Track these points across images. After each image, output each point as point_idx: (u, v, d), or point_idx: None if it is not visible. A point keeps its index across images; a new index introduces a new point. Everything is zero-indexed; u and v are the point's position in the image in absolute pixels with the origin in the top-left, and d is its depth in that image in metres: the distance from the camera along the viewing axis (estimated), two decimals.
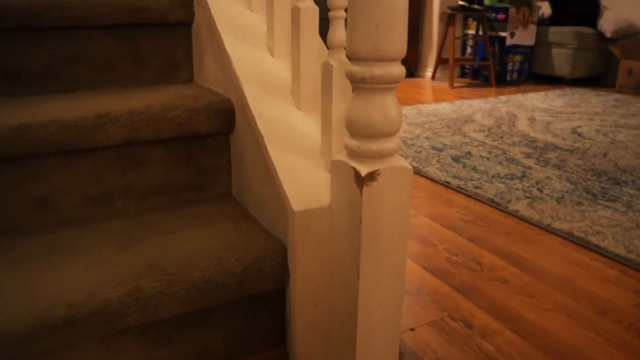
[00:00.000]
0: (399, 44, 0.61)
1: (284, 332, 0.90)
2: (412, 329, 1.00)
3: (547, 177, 1.85)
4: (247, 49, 0.90)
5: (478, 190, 1.71)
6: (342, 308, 0.75)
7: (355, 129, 0.65)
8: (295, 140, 0.80)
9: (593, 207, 1.58)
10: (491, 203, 1.63)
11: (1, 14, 1.04)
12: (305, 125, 0.82)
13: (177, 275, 0.77)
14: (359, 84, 0.63)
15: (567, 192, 1.71)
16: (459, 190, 1.75)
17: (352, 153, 0.66)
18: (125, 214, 0.99)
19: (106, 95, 1.07)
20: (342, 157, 0.68)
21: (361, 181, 0.64)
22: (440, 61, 4.15)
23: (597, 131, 2.57)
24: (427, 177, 1.89)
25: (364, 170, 0.64)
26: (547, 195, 1.68)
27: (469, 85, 4.05)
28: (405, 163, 0.67)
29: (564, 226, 1.44)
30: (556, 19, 4.23)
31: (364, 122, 0.63)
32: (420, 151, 2.18)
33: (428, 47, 4.43)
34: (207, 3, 0.99)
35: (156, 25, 1.18)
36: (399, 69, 0.63)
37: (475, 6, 3.84)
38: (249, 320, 0.88)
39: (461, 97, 3.53)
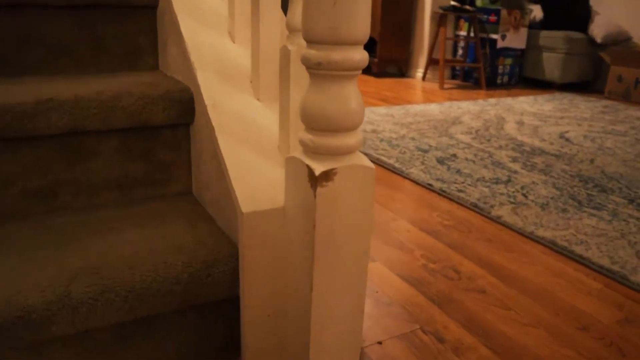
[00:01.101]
0: (361, 25, 0.54)
1: (239, 343, 0.83)
2: (379, 342, 0.93)
3: (533, 182, 1.79)
4: (206, 33, 0.82)
5: (461, 194, 1.64)
6: (295, 322, 0.67)
7: (310, 122, 0.57)
8: (251, 134, 0.72)
9: (578, 214, 1.52)
10: (474, 208, 1.56)
11: None
12: (264, 117, 0.75)
13: (113, 280, 0.69)
14: (314, 70, 0.55)
15: (552, 198, 1.65)
16: (441, 193, 1.68)
17: (307, 149, 0.58)
18: (72, 210, 0.91)
19: (57, 81, 0.98)
20: (297, 153, 0.60)
21: (315, 181, 0.56)
22: (431, 62, 4.08)
23: (585, 137, 2.52)
24: (409, 179, 1.82)
25: (318, 168, 0.57)
26: (532, 201, 1.61)
27: (459, 87, 4.00)
28: (367, 162, 0.60)
29: (548, 234, 1.38)
30: (548, 23, 4.18)
31: (320, 113, 0.56)
32: (405, 152, 2.11)
33: (419, 47, 4.37)
34: None
35: (118, 7, 1.10)
36: (361, 55, 0.55)
37: (467, 7, 3.78)
38: (200, 330, 0.80)
39: (450, 99, 3.47)
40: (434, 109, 3.05)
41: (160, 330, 0.77)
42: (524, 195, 1.66)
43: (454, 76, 4.39)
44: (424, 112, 2.95)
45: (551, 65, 4.01)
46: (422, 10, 4.27)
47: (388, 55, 4.36)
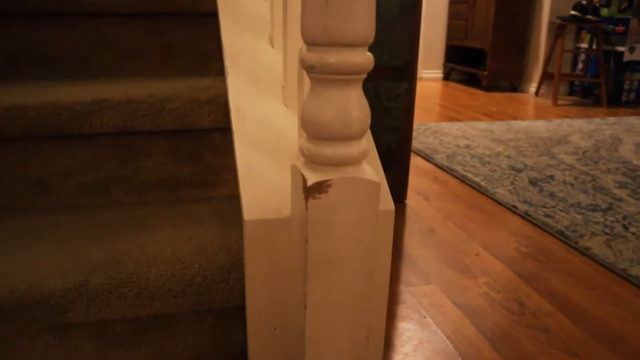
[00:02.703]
0: (361, 25, 0.49)
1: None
2: None
3: None
4: (245, 37, 0.82)
5: (548, 220, 1.48)
6: (295, 339, 0.63)
7: (307, 129, 0.54)
8: (272, 140, 0.70)
9: None
10: (560, 235, 1.40)
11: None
12: (289, 123, 0.72)
13: (130, 275, 0.71)
14: (310, 74, 0.52)
15: None
16: (525, 217, 1.53)
17: (307, 158, 0.55)
18: (122, 206, 0.95)
19: (123, 84, 1.04)
20: (299, 162, 0.57)
21: (307, 192, 0.53)
22: (546, 76, 3.79)
23: None
24: (493, 199, 1.68)
25: (312, 178, 0.53)
26: (633, 234, 1.41)
27: (575, 104, 3.66)
28: (372, 175, 0.55)
29: None
30: None
31: (315, 120, 0.52)
32: (495, 170, 1.96)
33: (534, 60, 4.08)
34: None
35: (187, 15, 1.15)
36: (362, 58, 0.51)
37: (589, 17, 3.45)
38: (218, 334, 0.79)
39: (563, 116, 3.19)
40: (540, 126, 2.82)
41: (178, 330, 0.78)
42: (624, 226, 1.46)
43: (572, 92, 4.04)
44: (528, 128, 2.73)
45: None
46: (539, 21, 3.98)
47: (499, 68, 4.13)
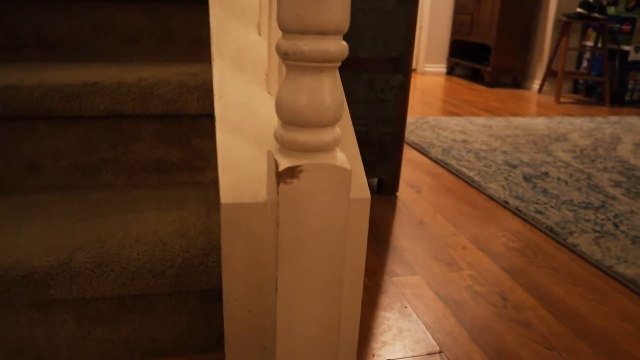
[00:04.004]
0: (335, 14, 0.50)
1: None
2: (373, 355, 0.87)
3: (631, 212, 1.57)
4: (233, 24, 0.83)
5: (538, 216, 1.49)
6: (271, 323, 0.65)
7: (282, 115, 0.55)
8: (253, 126, 0.71)
9: None
10: (549, 232, 1.41)
11: None
12: (272, 110, 0.73)
13: (112, 255, 0.73)
14: (285, 61, 0.53)
15: None
16: (516, 212, 1.54)
17: (280, 143, 0.56)
18: (112, 188, 0.97)
19: (116, 68, 1.05)
20: (274, 147, 0.58)
21: (279, 177, 0.54)
22: (550, 73, 3.77)
23: None
24: (486, 194, 1.69)
25: (284, 163, 0.54)
26: (623, 232, 1.41)
27: (578, 102, 3.65)
28: (344, 162, 0.56)
29: (630, 271, 1.20)
30: None
31: (289, 106, 0.53)
32: (490, 165, 1.97)
33: (538, 56, 4.06)
34: None
35: (185, 2, 1.15)
36: (336, 46, 0.52)
37: (596, 15, 3.43)
38: (199, 315, 0.81)
39: (564, 114, 3.18)
40: (540, 123, 2.81)
41: (160, 310, 0.79)
42: (614, 224, 1.46)
43: (575, 90, 4.02)
44: (527, 125, 2.73)
45: None
46: (545, 17, 3.96)
47: (502, 65, 4.11)
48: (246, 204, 0.63)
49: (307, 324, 0.61)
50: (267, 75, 0.77)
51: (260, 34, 0.83)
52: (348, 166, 0.56)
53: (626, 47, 3.55)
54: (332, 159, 0.55)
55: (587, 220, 1.48)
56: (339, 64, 0.53)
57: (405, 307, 1.02)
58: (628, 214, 1.55)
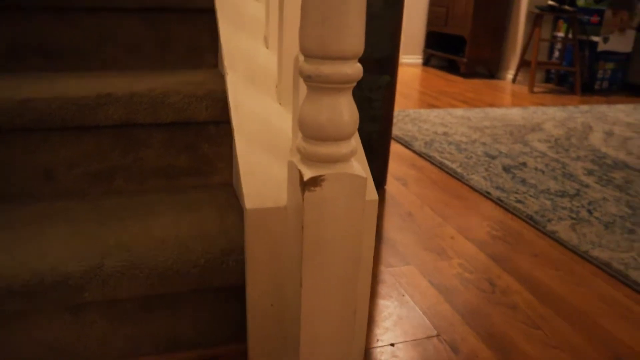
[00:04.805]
0: (353, 41, 0.57)
1: None
2: (392, 344, 0.95)
3: (604, 199, 1.68)
4: (242, 38, 0.89)
5: (519, 205, 1.59)
6: (292, 314, 0.72)
7: (303, 130, 0.61)
8: (268, 135, 0.77)
9: None
10: (529, 220, 1.50)
11: None
12: (283, 120, 0.80)
13: (140, 259, 0.78)
14: (307, 82, 0.59)
15: (621, 217, 1.54)
16: (498, 202, 1.63)
17: (302, 155, 0.63)
18: (124, 193, 1.02)
19: (120, 77, 1.10)
20: (295, 158, 0.65)
21: (304, 185, 0.61)
22: (523, 63, 3.90)
23: None
24: (468, 185, 1.78)
25: (307, 174, 0.61)
26: (597, 218, 1.52)
27: (551, 92, 3.78)
28: (359, 170, 0.63)
29: (604, 255, 1.30)
30: None
31: (311, 123, 0.60)
32: (471, 157, 2.06)
33: (512, 47, 4.19)
34: None
35: (183, 10, 1.20)
36: (353, 69, 0.58)
37: (566, 7, 3.56)
38: (218, 311, 0.88)
39: (538, 104, 3.30)
40: (516, 113, 2.93)
41: (182, 307, 0.85)
42: (588, 211, 1.57)
43: (548, 80, 4.16)
44: (504, 116, 2.84)
45: None
46: (518, 9, 4.08)
47: (477, 56, 4.22)
48: (268, 208, 0.70)
49: (328, 314, 0.68)
50: (276, 87, 0.83)
51: (267, 47, 0.89)
52: (364, 174, 0.63)
53: (595, 38, 3.69)
54: (350, 169, 0.62)
55: (564, 208, 1.59)
56: (355, 84, 0.60)
57: (403, 295, 1.10)
58: (601, 200, 1.67)
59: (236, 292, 0.87)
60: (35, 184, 0.99)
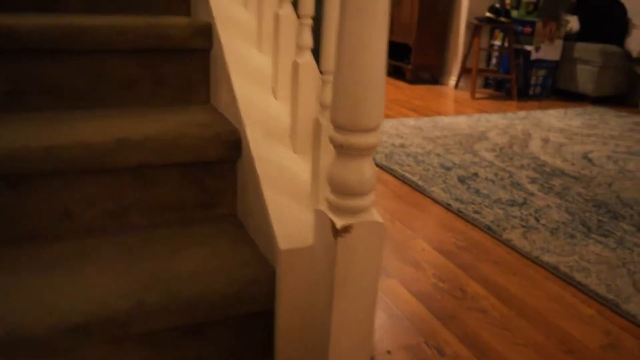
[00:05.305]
0: (375, 117, 0.70)
1: (272, 348, 1.01)
2: (388, 352, 1.09)
3: (547, 206, 1.91)
4: (253, 91, 1.00)
5: (476, 216, 1.78)
6: (318, 335, 0.84)
7: (334, 187, 0.74)
8: (288, 183, 0.89)
9: (585, 241, 1.64)
10: (487, 230, 1.70)
11: (40, 37, 1.15)
12: (299, 168, 0.92)
13: (175, 293, 0.88)
14: (338, 150, 0.72)
15: (563, 223, 1.77)
16: (458, 213, 1.82)
17: (331, 206, 0.75)
18: (139, 227, 1.10)
19: (127, 117, 1.18)
20: (323, 207, 0.77)
21: (336, 232, 0.73)
22: (465, 70, 4.17)
23: (608, 157, 2.59)
24: (431, 197, 1.96)
25: (339, 223, 0.73)
26: (543, 225, 1.74)
27: (490, 97, 4.08)
28: (378, 217, 0.76)
29: (552, 259, 1.51)
30: (584, 35, 4.20)
31: (340, 182, 0.73)
32: (429, 169, 2.25)
33: (453, 55, 4.46)
34: (220, 42, 1.09)
35: (176, 51, 1.28)
36: (375, 139, 0.72)
37: (502, 19, 3.85)
38: (241, 335, 0.98)
39: (481, 110, 3.57)
40: (462, 122, 3.16)
41: (209, 333, 0.96)
42: (536, 219, 1.79)
43: (486, 85, 4.47)
44: (452, 125, 3.07)
45: (585, 78, 4.04)
46: (458, 20, 4.35)
47: (422, 63, 4.46)
48: (298, 248, 0.82)
49: (352, 332, 0.81)
50: (290, 137, 0.95)
51: (276, 98, 1.00)
52: (381, 220, 0.76)
53: (528, 47, 4.01)
54: (371, 217, 0.76)
55: (515, 217, 1.79)
56: (375, 149, 0.73)
57: (390, 306, 1.25)
58: (545, 208, 1.89)
59: (260, 317, 0.98)
60: (55, 223, 1.05)
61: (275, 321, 0.87)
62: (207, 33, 1.27)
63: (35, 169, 0.98)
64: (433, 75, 4.61)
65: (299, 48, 0.88)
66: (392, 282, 1.37)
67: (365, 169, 0.73)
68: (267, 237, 0.92)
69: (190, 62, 1.31)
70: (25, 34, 1.15)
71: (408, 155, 2.43)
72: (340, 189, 0.73)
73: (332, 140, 0.72)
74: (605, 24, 4.14)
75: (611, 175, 2.32)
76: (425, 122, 3.11)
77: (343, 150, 0.71)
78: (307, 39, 0.87)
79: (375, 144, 0.72)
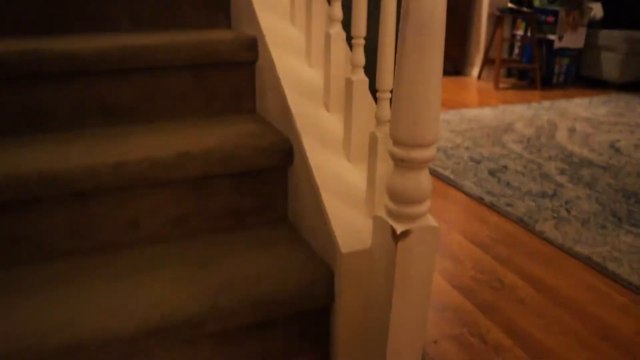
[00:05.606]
0: (432, 134, 0.77)
1: (327, 338, 1.10)
2: (435, 341, 1.18)
3: (577, 197, 1.96)
4: (306, 105, 1.08)
5: (509, 208, 1.84)
6: (376, 328, 0.93)
7: (393, 196, 0.82)
8: (345, 190, 0.97)
9: (616, 231, 1.69)
10: (520, 222, 1.76)
11: (99, 59, 1.24)
12: (354, 176, 1.00)
13: (244, 295, 0.97)
14: (398, 162, 0.80)
15: (594, 213, 1.82)
16: (491, 206, 1.88)
17: (390, 213, 0.83)
18: (199, 233, 1.20)
19: (184, 129, 1.27)
20: (382, 214, 0.85)
21: (396, 237, 0.81)
22: (487, 61, 4.19)
23: (636, 146, 2.62)
24: (463, 191, 2.03)
25: (399, 228, 0.81)
26: (574, 216, 1.79)
27: (514, 87, 4.09)
28: (433, 222, 0.84)
29: (585, 250, 1.57)
30: (608, 21, 4.18)
31: (401, 192, 0.80)
32: (459, 162, 2.31)
33: (475, 45, 4.47)
34: (272, 58, 1.17)
35: (225, 64, 1.37)
36: (431, 152, 0.79)
37: (524, 9, 3.86)
38: (301, 330, 1.08)
39: (505, 101, 3.60)
40: (488, 114, 3.20)
41: (274, 330, 1.05)
42: (567, 210, 1.84)
43: (509, 74, 4.48)
44: (478, 117, 3.11)
45: (609, 64, 4.03)
46: (480, 10, 4.36)
47: (445, 54, 4.49)
48: (357, 251, 0.90)
49: (408, 326, 0.90)
50: (343, 146, 1.03)
51: (328, 111, 1.08)
52: (436, 224, 0.84)
53: (551, 36, 4.01)
54: (427, 222, 0.83)
55: (546, 209, 1.85)
56: (431, 162, 0.81)
57: (433, 299, 1.33)
58: (575, 199, 1.94)
59: (318, 314, 1.07)
60: (123, 233, 1.15)
61: (336, 317, 0.96)
62: (253, 46, 1.35)
63: (104, 184, 1.08)
64: (455, 67, 4.64)
65: (353, 66, 0.96)
66: (434, 275, 1.44)
67: (423, 179, 0.80)
68: (325, 240, 1.00)
69: (237, 74, 1.39)
70: (86, 57, 1.24)
71: (438, 149, 2.49)
72: (400, 198, 0.81)
73: (392, 155, 0.80)
74: (630, 10, 4.11)
75: (639, 165, 2.35)
76: (451, 115, 3.16)
77: (403, 164, 0.79)
78: (360, 58, 0.95)
79: (433, 157, 0.80)
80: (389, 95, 0.89)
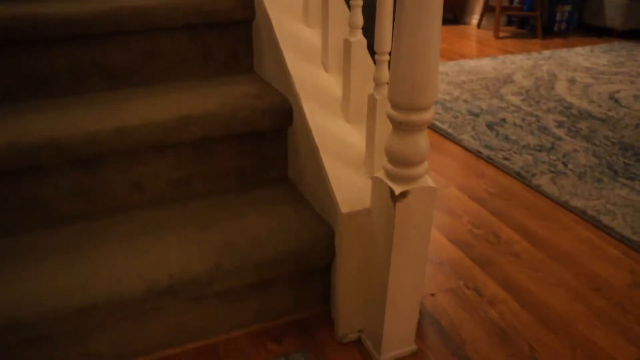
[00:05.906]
0: (430, 97, 0.78)
1: (329, 295, 1.14)
2: (432, 294, 1.22)
3: (575, 150, 1.97)
4: (304, 66, 1.07)
5: (506, 162, 1.86)
6: (376, 284, 0.96)
7: (392, 158, 0.83)
8: (344, 151, 0.98)
9: (611, 184, 1.72)
10: (517, 176, 1.78)
11: (97, 22, 1.22)
12: (353, 137, 1.01)
13: (248, 254, 1.00)
14: (397, 126, 0.81)
15: (590, 167, 1.84)
16: (488, 160, 1.90)
17: (389, 174, 0.85)
18: (202, 194, 1.22)
19: (183, 91, 1.26)
20: (381, 175, 0.87)
21: (394, 198, 0.83)
22: (487, 9, 4.10)
23: (635, 97, 2.61)
24: (461, 145, 2.04)
25: (397, 189, 0.83)
26: (571, 170, 1.82)
27: (514, 36, 4.02)
28: (431, 182, 0.86)
29: (580, 204, 1.60)
30: None
31: (399, 154, 0.82)
32: (457, 116, 2.31)
33: None
34: (268, 17, 1.16)
35: (221, 24, 1.35)
36: (429, 115, 0.80)
37: None
38: (303, 286, 1.11)
39: (505, 51, 3.55)
40: (487, 65, 3.17)
41: (277, 286, 1.09)
42: (564, 164, 1.86)
43: (510, 22, 4.39)
44: (477, 68, 3.08)
45: (612, 11, 3.94)
46: None
47: (444, 2, 4.39)
48: (357, 211, 0.92)
49: (406, 281, 0.93)
50: (342, 108, 1.04)
51: (327, 71, 1.08)
52: (434, 185, 0.86)
53: None
54: (425, 182, 0.85)
55: (543, 162, 1.87)
56: (428, 123, 0.82)
57: (430, 253, 1.37)
58: (572, 152, 1.96)
59: (318, 271, 1.10)
60: (127, 196, 1.17)
61: (336, 274, 0.99)
62: (249, 4, 1.33)
63: (106, 149, 1.09)
64: (455, 15, 4.54)
65: (351, 27, 0.95)
66: (432, 230, 1.47)
67: (421, 141, 0.82)
68: (326, 200, 1.02)
69: (234, 33, 1.37)
70: (82, 20, 1.22)
71: (436, 102, 2.48)
72: (398, 160, 0.82)
73: (390, 118, 0.81)
74: None
75: (638, 117, 2.35)
76: (450, 66, 3.12)
77: (401, 127, 0.80)
78: (359, 19, 0.94)
79: (431, 119, 0.80)
80: (387, 57, 0.89)
